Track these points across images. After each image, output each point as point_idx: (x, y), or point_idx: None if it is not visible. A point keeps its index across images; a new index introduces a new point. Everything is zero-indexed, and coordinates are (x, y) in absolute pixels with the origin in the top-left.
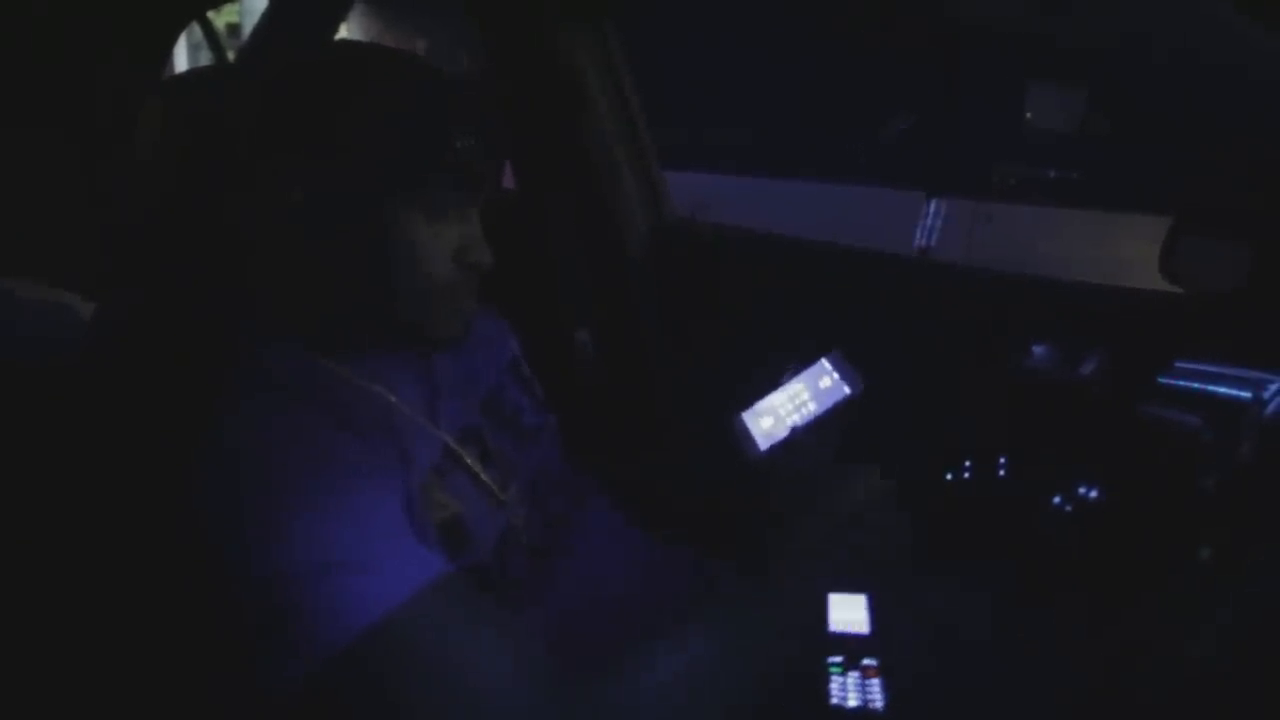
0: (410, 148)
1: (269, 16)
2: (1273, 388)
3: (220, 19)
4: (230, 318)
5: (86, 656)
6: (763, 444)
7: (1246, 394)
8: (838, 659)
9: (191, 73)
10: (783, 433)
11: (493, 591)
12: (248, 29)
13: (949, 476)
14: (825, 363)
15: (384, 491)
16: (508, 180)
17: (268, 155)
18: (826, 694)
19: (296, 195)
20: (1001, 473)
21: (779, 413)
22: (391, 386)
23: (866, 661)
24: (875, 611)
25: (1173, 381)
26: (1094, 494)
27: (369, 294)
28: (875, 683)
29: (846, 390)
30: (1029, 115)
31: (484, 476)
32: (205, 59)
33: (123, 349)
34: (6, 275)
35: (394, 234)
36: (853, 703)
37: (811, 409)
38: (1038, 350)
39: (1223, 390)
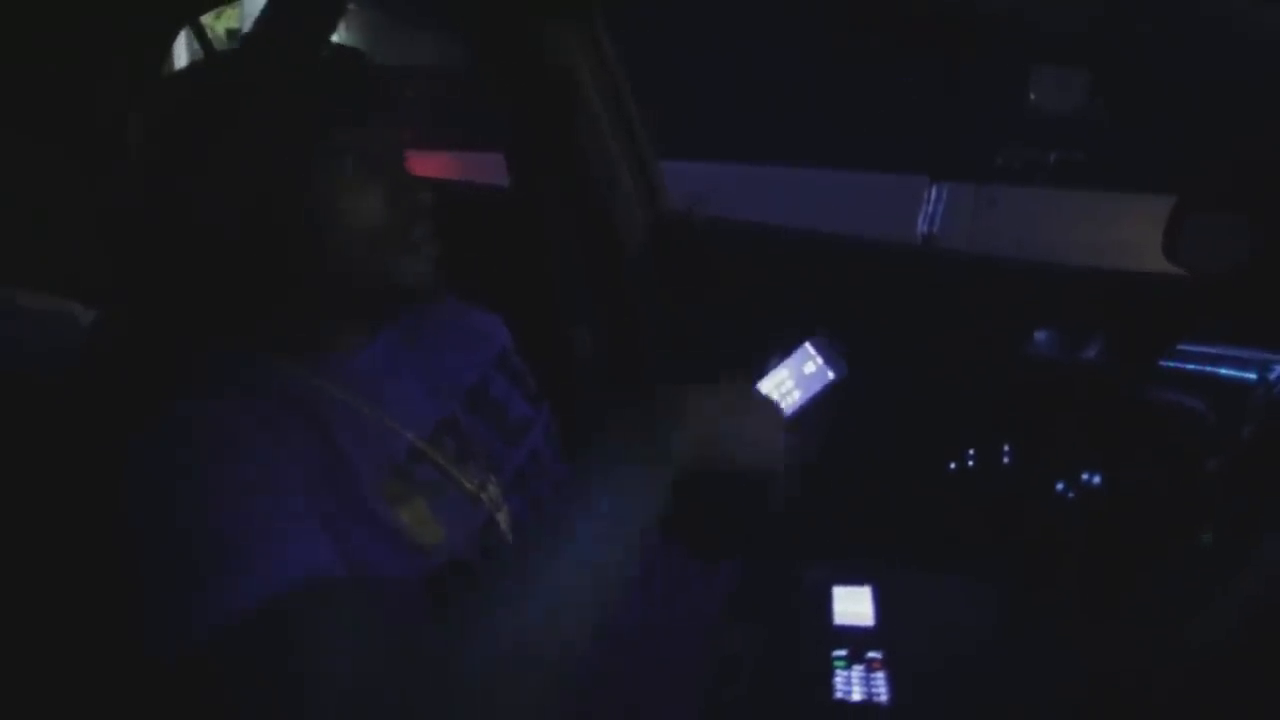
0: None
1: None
2: (1279, 368)
3: (220, 24)
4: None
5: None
6: None
7: (1251, 375)
8: (842, 652)
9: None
10: None
11: (477, 589)
12: None
13: (953, 466)
14: (809, 347)
15: (299, 477)
16: (503, 176)
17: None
18: (831, 687)
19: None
20: (1006, 460)
21: None
22: (359, 383)
23: (871, 654)
24: (880, 604)
25: (1177, 364)
26: (1097, 481)
27: (313, 259)
28: (880, 676)
29: (830, 375)
30: (1033, 97)
31: (453, 470)
32: None
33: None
34: (8, 283)
35: (320, 192)
36: (857, 696)
37: (797, 397)
38: (1040, 336)
39: (1227, 372)
